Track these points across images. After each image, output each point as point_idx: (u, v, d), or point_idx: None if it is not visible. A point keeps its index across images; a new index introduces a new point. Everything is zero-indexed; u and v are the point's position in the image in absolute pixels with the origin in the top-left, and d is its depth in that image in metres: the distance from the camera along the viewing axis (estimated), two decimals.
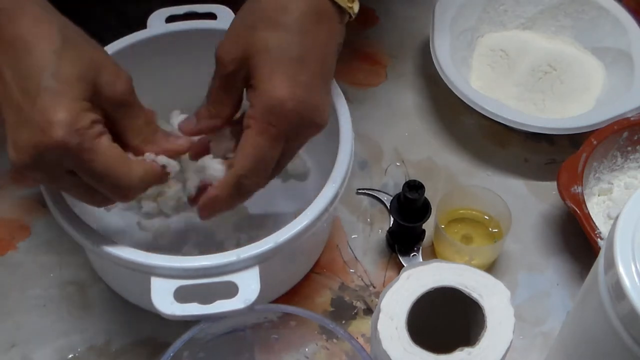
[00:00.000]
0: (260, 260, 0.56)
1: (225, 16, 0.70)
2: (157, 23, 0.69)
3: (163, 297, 0.54)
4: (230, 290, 0.55)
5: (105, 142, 0.51)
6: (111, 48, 0.66)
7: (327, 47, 0.56)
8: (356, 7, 0.58)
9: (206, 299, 0.54)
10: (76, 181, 0.52)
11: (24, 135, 0.49)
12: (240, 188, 0.57)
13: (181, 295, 0.54)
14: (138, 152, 0.54)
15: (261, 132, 0.55)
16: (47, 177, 0.51)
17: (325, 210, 0.59)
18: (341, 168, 0.61)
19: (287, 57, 0.54)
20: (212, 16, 0.70)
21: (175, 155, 0.56)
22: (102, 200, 0.54)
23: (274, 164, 0.57)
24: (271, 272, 0.57)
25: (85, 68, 0.51)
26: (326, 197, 0.59)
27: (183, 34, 0.69)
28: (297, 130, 0.56)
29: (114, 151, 0.52)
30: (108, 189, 0.52)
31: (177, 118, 0.60)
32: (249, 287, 0.55)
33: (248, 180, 0.56)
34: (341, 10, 0.58)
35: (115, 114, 0.53)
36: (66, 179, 0.52)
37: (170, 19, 0.70)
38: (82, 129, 0.49)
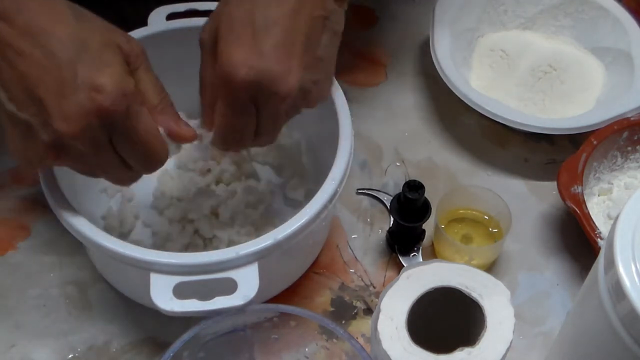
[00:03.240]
0: (259, 256, 0.56)
1: None
2: (157, 21, 0.70)
3: (162, 293, 0.54)
4: (230, 287, 0.55)
5: (145, 110, 0.53)
6: None
7: (296, 17, 0.55)
8: None
9: (205, 296, 0.54)
10: (112, 154, 0.53)
11: (72, 105, 0.50)
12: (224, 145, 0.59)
13: (180, 292, 0.55)
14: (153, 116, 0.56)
15: (224, 100, 0.56)
16: (90, 147, 0.52)
17: (325, 207, 0.59)
18: (340, 165, 0.61)
19: (248, 26, 0.54)
20: None
21: (178, 140, 0.57)
22: (130, 176, 0.56)
23: (247, 131, 0.57)
24: (270, 269, 0.58)
25: (105, 34, 0.53)
26: (325, 194, 0.59)
27: (183, 32, 0.69)
28: (260, 98, 0.55)
29: (150, 119, 0.54)
30: (143, 154, 0.54)
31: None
32: (248, 283, 0.55)
33: (225, 146, 0.59)
34: None
35: (138, 71, 0.54)
36: (107, 149, 0.53)
37: (171, 16, 0.70)
38: (129, 93, 0.51)
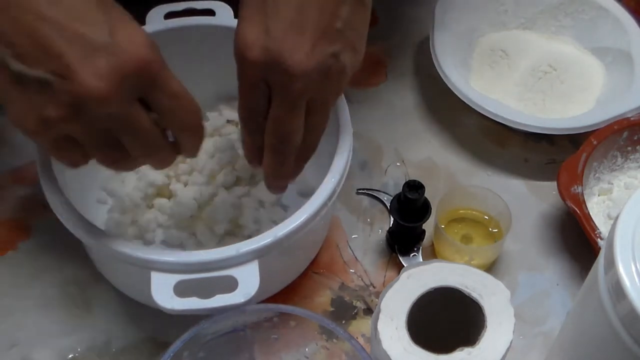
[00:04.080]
0: (259, 254, 0.56)
1: (223, 12, 0.70)
2: (155, 19, 0.70)
3: (163, 292, 0.54)
4: (230, 285, 0.55)
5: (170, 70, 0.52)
6: None
7: None
8: None
9: (206, 294, 0.54)
10: (145, 117, 0.51)
11: (105, 59, 0.47)
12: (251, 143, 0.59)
13: (181, 290, 0.55)
14: None
15: (240, 78, 0.56)
16: (122, 105, 0.49)
17: (324, 204, 0.59)
18: (340, 162, 0.61)
19: (260, 6, 0.54)
20: (210, 12, 0.70)
21: None
22: (165, 148, 0.53)
23: (262, 110, 0.56)
24: (270, 267, 0.58)
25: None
26: (325, 191, 0.60)
27: (182, 30, 0.69)
28: (272, 77, 0.55)
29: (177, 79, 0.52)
30: (182, 114, 0.52)
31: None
32: (248, 281, 0.55)
33: (249, 130, 0.57)
34: None
35: None
36: (137, 108, 0.50)
37: (169, 15, 0.70)
38: (158, 50, 0.50)
